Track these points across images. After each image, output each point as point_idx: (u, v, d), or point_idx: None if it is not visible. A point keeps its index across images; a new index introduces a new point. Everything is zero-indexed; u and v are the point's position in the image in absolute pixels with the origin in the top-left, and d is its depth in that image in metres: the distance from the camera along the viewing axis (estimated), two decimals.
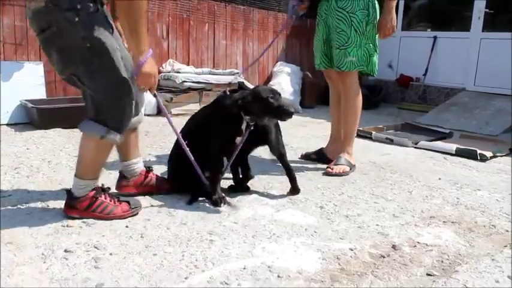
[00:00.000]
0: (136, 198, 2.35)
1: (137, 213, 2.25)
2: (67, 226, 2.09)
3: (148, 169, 2.52)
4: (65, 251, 1.86)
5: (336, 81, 3.33)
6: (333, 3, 3.11)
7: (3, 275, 1.65)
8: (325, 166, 3.26)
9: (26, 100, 4.23)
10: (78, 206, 2.14)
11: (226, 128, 2.45)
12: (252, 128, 2.48)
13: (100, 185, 2.21)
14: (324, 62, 3.29)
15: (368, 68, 3.16)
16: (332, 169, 3.14)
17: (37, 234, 1.99)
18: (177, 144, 2.54)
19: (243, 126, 2.47)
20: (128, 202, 2.24)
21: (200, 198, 2.50)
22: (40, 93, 4.57)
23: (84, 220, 2.15)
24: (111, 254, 1.86)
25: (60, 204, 2.34)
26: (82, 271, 1.71)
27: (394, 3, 3.01)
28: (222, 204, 2.41)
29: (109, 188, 2.26)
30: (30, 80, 4.48)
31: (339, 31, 3.09)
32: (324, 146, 3.56)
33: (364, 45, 3.10)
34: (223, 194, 2.49)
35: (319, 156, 3.49)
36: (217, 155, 2.48)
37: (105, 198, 2.18)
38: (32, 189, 2.54)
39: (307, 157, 3.55)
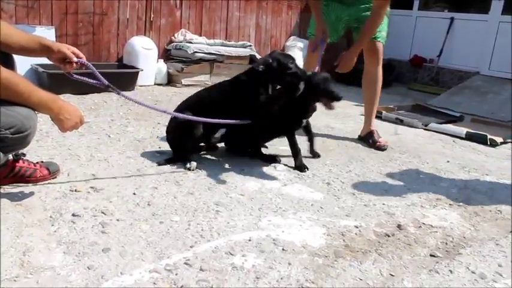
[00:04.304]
0: (55, 163, 2.31)
1: (56, 177, 2.23)
2: (75, 191, 2.11)
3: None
4: (73, 215, 1.88)
5: None
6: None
7: (12, 235, 1.68)
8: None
9: (37, 65, 4.21)
10: None
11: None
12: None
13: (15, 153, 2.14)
14: (335, 37, 3.65)
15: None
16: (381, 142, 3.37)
17: (45, 198, 2.02)
18: (173, 118, 2.65)
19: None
20: (47, 167, 2.23)
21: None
22: None
23: (92, 185, 2.18)
24: (118, 219, 1.88)
25: (68, 168, 2.36)
26: (89, 235, 1.74)
27: (360, 49, 3.40)
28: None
29: (24, 154, 2.20)
30: None
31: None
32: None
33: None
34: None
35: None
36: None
37: (23, 163, 2.15)
38: (41, 154, 2.56)
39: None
